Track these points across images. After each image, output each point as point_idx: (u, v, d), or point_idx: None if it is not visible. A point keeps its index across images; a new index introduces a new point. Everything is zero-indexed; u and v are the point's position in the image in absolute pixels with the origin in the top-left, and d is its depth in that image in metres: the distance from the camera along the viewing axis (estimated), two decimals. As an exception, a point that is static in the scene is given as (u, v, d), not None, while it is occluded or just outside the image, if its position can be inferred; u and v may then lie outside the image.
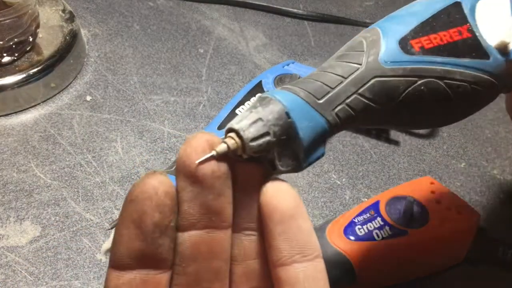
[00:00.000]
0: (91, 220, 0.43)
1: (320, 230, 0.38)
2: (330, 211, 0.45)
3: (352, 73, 0.24)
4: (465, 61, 0.25)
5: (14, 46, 0.50)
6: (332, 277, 0.34)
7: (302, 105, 0.23)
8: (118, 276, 0.23)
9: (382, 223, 0.38)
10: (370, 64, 0.24)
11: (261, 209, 0.23)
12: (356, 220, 0.38)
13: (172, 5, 0.65)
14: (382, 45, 0.25)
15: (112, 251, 0.23)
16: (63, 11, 0.57)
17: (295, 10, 0.66)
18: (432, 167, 0.50)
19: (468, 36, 0.26)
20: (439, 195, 0.40)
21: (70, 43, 0.54)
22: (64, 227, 0.42)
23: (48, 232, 0.42)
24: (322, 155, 0.24)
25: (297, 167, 0.23)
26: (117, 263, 0.23)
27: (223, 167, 0.22)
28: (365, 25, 0.66)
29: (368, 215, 0.39)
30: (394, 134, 0.52)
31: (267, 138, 0.22)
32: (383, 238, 0.37)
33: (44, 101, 0.52)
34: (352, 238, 0.37)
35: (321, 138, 0.23)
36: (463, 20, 0.26)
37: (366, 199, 0.45)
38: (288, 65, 0.50)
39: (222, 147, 0.21)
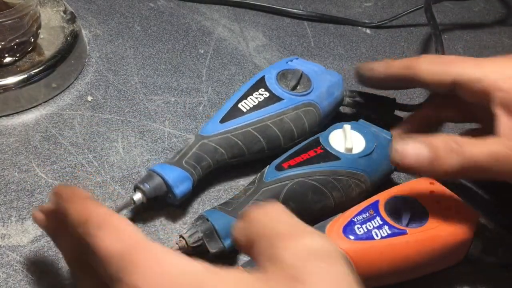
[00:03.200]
0: (92, 220, 0.43)
1: (319, 229, 0.38)
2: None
3: (249, 190, 0.41)
4: (320, 164, 0.42)
5: (15, 46, 0.50)
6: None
7: (218, 213, 0.40)
8: None
9: (381, 222, 0.38)
10: (258, 182, 0.42)
11: None
12: (355, 220, 0.38)
13: (173, 6, 0.65)
14: (266, 171, 0.42)
15: None
16: (64, 12, 0.57)
17: (294, 11, 0.66)
18: (431, 167, 0.50)
19: (321, 151, 0.43)
20: (438, 195, 0.40)
21: (71, 44, 0.54)
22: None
23: (49, 231, 0.42)
24: None
25: (221, 248, 0.39)
26: None
27: None
28: (364, 25, 0.66)
29: (367, 214, 0.39)
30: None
31: (198, 234, 0.39)
32: (382, 237, 0.37)
33: (46, 101, 0.52)
34: (351, 237, 0.37)
35: None
36: (318, 144, 0.43)
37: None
38: (291, 61, 0.51)
39: (176, 246, 0.39)
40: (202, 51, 0.60)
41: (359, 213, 0.39)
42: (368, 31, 0.66)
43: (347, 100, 0.51)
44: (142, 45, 0.59)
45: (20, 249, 0.41)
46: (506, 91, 0.38)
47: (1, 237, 0.41)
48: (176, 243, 0.39)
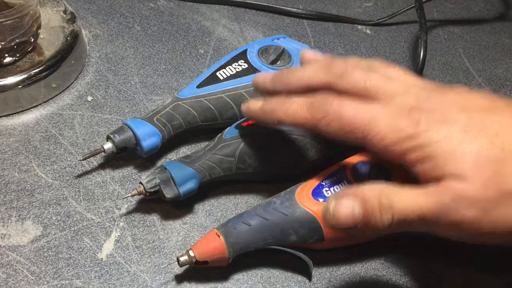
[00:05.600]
0: (92, 220, 0.43)
1: (289, 193, 0.40)
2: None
3: (209, 146, 0.44)
4: None
5: (15, 46, 0.50)
6: (301, 236, 0.40)
7: (176, 163, 0.42)
8: None
9: (348, 185, 0.40)
10: (218, 139, 0.44)
11: None
12: (323, 183, 0.40)
13: (173, 6, 0.65)
14: (226, 130, 0.45)
15: None
16: (64, 12, 0.57)
17: (294, 10, 0.66)
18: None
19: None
20: None
21: (71, 44, 0.54)
22: (65, 226, 0.42)
23: (49, 231, 0.42)
24: (194, 190, 0.42)
25: (176, 194, 0.42)
26: None
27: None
28: (364, 23, 0.66)
29: (334, 178, 0.41)
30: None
31: (156, 180, 0.42)
32: None
33: (46, 101, 0.52)
34: (320, 200, 0.40)
35: (191, 179, 0.42)
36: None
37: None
38: (278, 39, 0.53)
39: (135, 192, 0.42)
40: (202, 51, 0.60)
41: (326, 178, 0.41)
42: (368, 31, 0.66)
43: None
44: (142, 45, 0.59)
45: (20, 249, 0.41)
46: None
47: (1, 237, 0.41)
48: (135, 189, 0.42)
